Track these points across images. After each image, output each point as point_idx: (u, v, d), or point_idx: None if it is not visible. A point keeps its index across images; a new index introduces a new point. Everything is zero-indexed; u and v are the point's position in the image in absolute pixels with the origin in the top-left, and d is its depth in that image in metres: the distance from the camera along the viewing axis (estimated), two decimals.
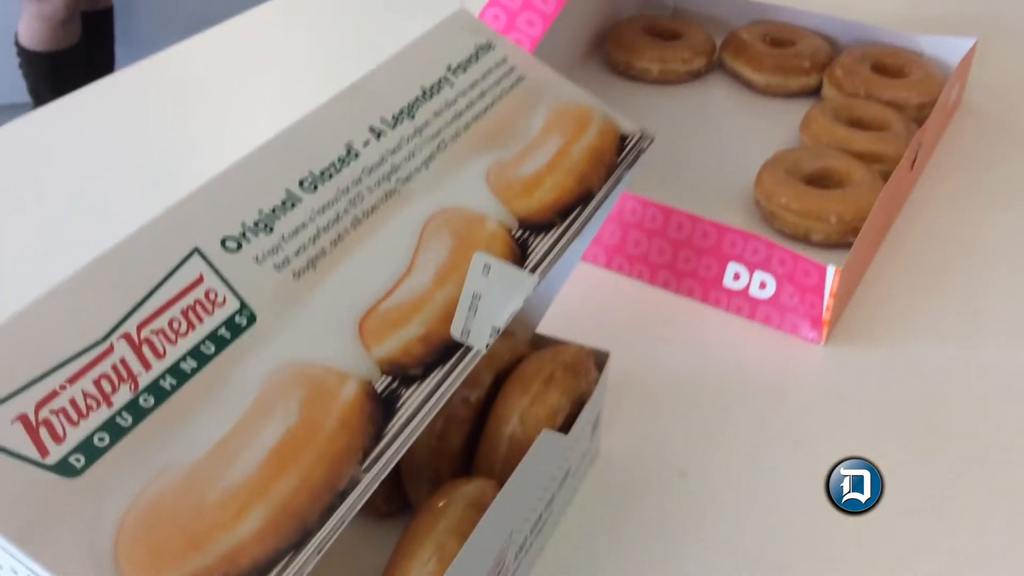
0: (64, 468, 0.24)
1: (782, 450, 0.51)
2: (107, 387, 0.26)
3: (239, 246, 0.31)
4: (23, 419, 0.25)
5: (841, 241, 0.62)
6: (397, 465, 0.44)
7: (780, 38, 0.79)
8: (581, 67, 0.81)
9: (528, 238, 0.35)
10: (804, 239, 0.62)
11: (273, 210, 0.32)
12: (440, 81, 0.39)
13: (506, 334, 0.47)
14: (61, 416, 0.25)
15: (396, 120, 0.37)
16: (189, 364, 0.27)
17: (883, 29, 0.79)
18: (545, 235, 0.36)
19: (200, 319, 0.28)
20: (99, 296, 0.28)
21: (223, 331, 0.28)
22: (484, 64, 0.41)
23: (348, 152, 0.35)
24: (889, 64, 0.76)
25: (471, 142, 0.38)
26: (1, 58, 1.82)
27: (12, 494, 0.24)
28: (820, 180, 0.64)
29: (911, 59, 0.76)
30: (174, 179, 0.69)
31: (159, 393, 0.26)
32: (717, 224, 0.57)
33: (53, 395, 0.25)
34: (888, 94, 0.72)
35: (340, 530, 0.26)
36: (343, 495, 0.27)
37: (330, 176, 0.34)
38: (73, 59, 1.78)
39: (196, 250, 0.30)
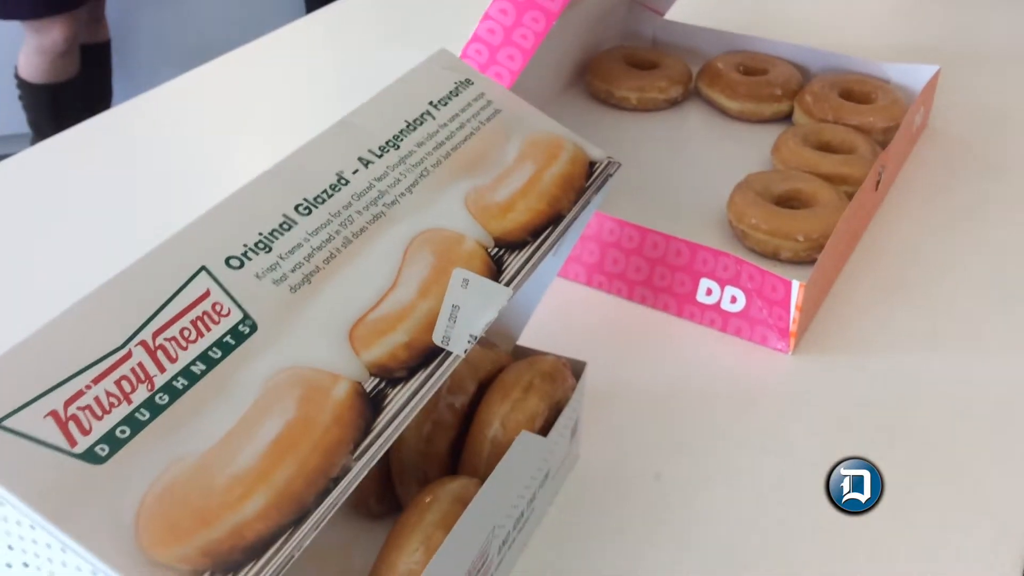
0: (90, 456, 0.28)
1: (752, 453, 0.54)
2: (127, 387, 0.29)
3: (241, 264, 0.34)
4: (54, 414, 0.28)
5: (809, 258, 0.66)
6: (388, 468, 0.48)
7: (753, 67, 0.83)
8: (563, 96, 0.85)
9: (503, 255, 0.39)
10: (774, 256, 0.66)
11: (272, 232, 0.36)
12: (423, 115, 0.43)
13: (488, 346, 0.50)
14: (87, 412, 0.29)
15: (383, 150, 0.40)
16: (199, 367, 0.31)
17: (851, 58, 0.83)
18: (519, 252, 0.39)
19: (208, 328, 0.32)
20: (117, 308, 0.31)
21: (228, 338, 0.32)
22: (463, 99, 0.44)
23: (339, 180, 0.39)
24: (856, 91, 0.80)
25: (451, 170, 0.41)
26: (1, 89, 1.86)
27: (47, 479, 0.27)
28: (789, 201, 0.68)
29: (877, 86, 0.80)
30: (172, 208, 0.73)
31: (173, 392, 0.30)
32: (689, 243, 0.61)
33: (79, 394, 0.29)
34: (855, 119, 0.76)
35: (334, 511, 0.30)
36: (336, 480, 0.30)
37: (323, 201, 0.38)
38: (71, 91, 1.82)
39: (203, 268, 0.33)
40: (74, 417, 0.28)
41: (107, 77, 1.95)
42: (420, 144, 0.41)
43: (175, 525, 0.27)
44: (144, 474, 0.28)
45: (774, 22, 0.96)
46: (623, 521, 0.51)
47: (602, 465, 0.54)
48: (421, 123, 0.42)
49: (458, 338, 0.36)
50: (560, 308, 0.61)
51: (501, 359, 0.50)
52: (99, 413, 0.29)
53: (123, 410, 0.29)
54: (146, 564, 0.26)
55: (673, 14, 0.92)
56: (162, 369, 0.30)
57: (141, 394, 0.30)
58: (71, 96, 1.82)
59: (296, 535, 0.29)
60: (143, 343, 0.31)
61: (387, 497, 0.49)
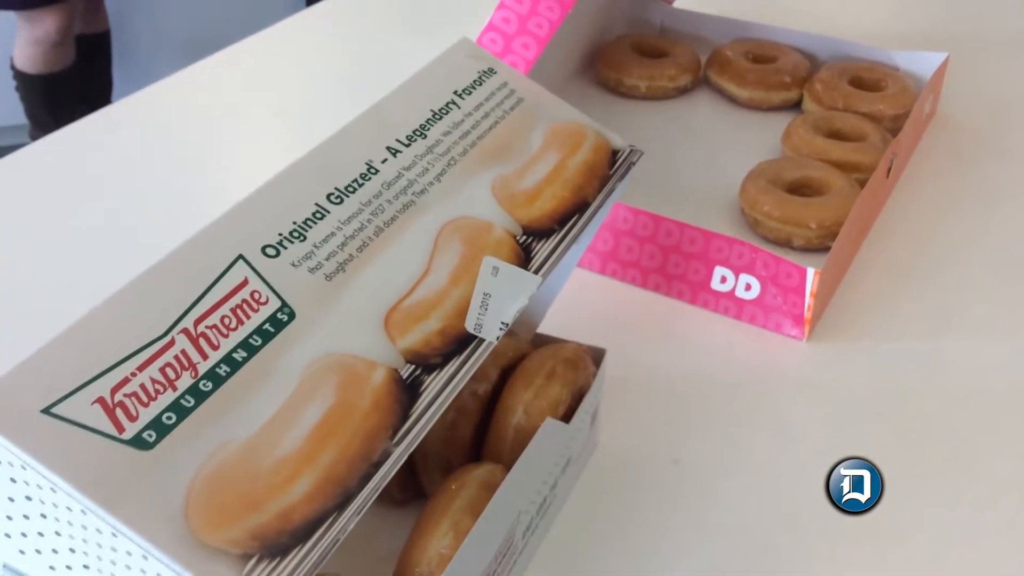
0: (138, 442, 0.28)
1: (768, 438, 0.55)
2: (171, 374, 0.30)
3: (277, 253, 0.35)
4: (101, 401, 0.29)
5: (821, 245, 0.66)
6: (411, 456, 0.48)
7: (762, 55, 0.84)
8: (572, 85, 0.85)
9: (531, 243, 0.39)
10: (786, 244, 0.67)
11: (305, 221, 0.36)
12: (448, 104, 0.43)
13: (510, 334, 0.51)
14: (133, 399, 0.29)
15: (410, 140, 0.41)
16: (240, 354, 0.31)
17: (860, 45, 0.83)
18: (546, 240, 0.40)
19: (247, 316, 0.32)
20: (158, 297, 0.32)
21: (267, 326, 0.32)
22: (487, 88, 0.45)
23: (369, 169, 0.39)
24: (866, 78, 0.80)
25: (477, 158, 0.42)
26: None
27: (96, 465, 0.27)
28: (801, 189, 0.68)
29: (887, 73, 0.80)
30: (175, 204, 0.73)
31: (216, 379, 0.30)
32: (704, 231, 0.61)
33: (125, 381, 0.29)
34: (865, 107, 0.77)
35: (376, 494, 0.30)
36: (377, 465, 0.31)
37: (353, 191, 0.38)
38: (68, 81, 1.82)
39: (240, 257, 0.34)
40: (121, 404, 0.29)
41: (106, 67, 1.94)
42: (446, 133, 0.42)
43: (223, 509, 0.28)
44: (191, 459, 0.28)
45: (782, 9, 0.96)
46: (642, 506, 0.51)
47: (621, 451, 0.54)
48: (447, 112, 0.42)
49: (490, 325, 0.36)
50: (575, 296, 0.62)
51: (522, 347, 0.50)
52: (145, 400, 0.29)
53: (168, 397, 0.29)
54: (197, 547, 0.27)
55: (680, 1, 0.93)
56: (205, 356, 0.31)
57: (185, 381, 0.30)
58: (67, 86, 1.82)
59: (340, 519, 0.29)
60: (185, 331, 0.31)
61: (410, 485, 0.49)
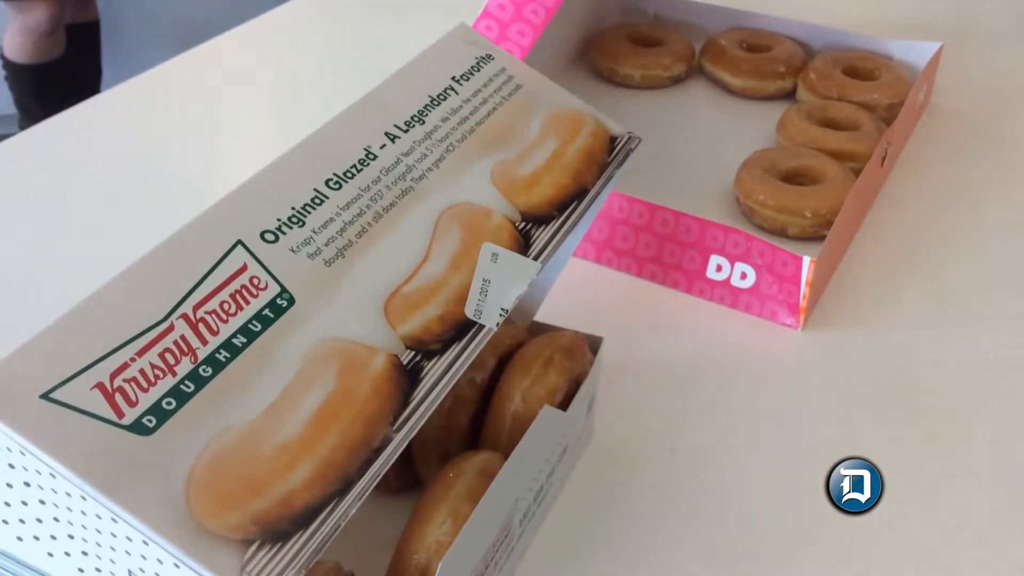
0: (138, 428, 0.28)
1: (763, 426, 0.55)
2: (171, 359, 0.30)
3: (276, 238, 0.34)
4: (100, 386, 0.28)
5: (816, 234, 0.66)
6: (408, 443, 0.48)
7: (756, 44, 0.84)
8: (567, 74, 0.85)
9: (530, 230, 0.39)
10: (781, 233, 0.67)
11: (304, 206, 0.36)
12: (446, 90, 0.43)
13: (507, 321, 0.51)
14: (133, 384, 0.29)
15: (408, 125, 0.40)
16: (240, 340, 0.31)
17: (854, 34, 0.83)
18: (545, 227, 0.40)
19: (247, 301, 0.32)
20: (157, 284, 0.31)
21: (267, 312, 0.32)
22: (485, 74, 0.44)
23: (367, 155, 0.39)
24: (860, 67, 0.80)
25: (476, 144, 0.41)
26: None
27: (95, 450, 0.27)
28: (796, 177, 0.69)
29: (881, 62, 0.80)
30: (165, 194, 0.72)
31: (216, 364, 0.30)
32: (699, 219, 0.61)
33: (124, 366, 0.29)
34: (859, 96, 0.77)
35: (377, 480, 0.30)
36: (378, 451, 0.31)
37: (352, 176, 0.38)
38: (58, 71, 1.80)
39: (239, 242, 0.33)
40: (120, 389, 0.28)
41: (96, 57, 1.93)
42: (445, 119, 0.41)
43: (225, 494, 0.28)
44: (192, 445, 0.28)
45: None
46: (638, 495, 0.51)
47: (617, 440, 0.54)
48: (445, 98, 0.42)
49: (490, 311, 0.36)
50: (570, 285, 0.62)
51: (519, 334, 0.50)
52: (145, 385, 0.29)
53: (168, 382, 0.29)
54: (198, 533, 0.27)
55: None
56: (204, 342, 0.30)
57: (185, 366, 0.30)
58: (58, 77, 1.81)
59: (341, 505, 0.29)
60: (184, 316, 0.31)
61: (406, 472, 0.49)
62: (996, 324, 0.62)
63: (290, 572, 0.27)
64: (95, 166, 0.77)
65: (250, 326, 0.31)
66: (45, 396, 0.27)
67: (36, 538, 0.30)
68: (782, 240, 0.66)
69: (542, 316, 0.54)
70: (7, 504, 0.29)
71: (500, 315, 0.36)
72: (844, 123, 0.74)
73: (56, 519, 0.29)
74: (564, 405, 0.48)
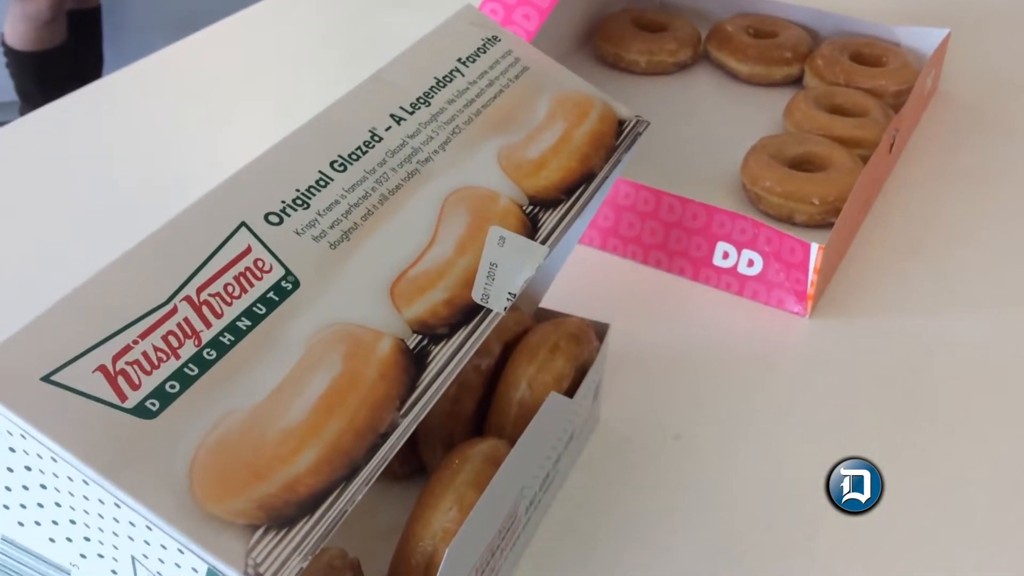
0: (141, 411, 0.28)
1: (770, 415, 0.54)
2: (174, 342, 0.29)
3: (281, 220, 0.34)
4: (102, 369, 0.28)
5: (823, 221, 0.65)
6: (413, 430, 0.48)
7: (763, 30, 0.83)
8: (571, 59, 0.84)
9: (538, 213, 0.39)
10: (788, 220, 0.66)
11: (309, 188, 0.35)
12: (452, 72, 0.42)
13: (512, 308, 0.50)
14: (135, 367, 0.28)
15: (414, 107, 0.40)
16: (244, 323, 0.31)
17: (861, 20, 0.82)
18: (553, 211, 0.39)
19: (251, 284, 0.31)
20: (160, 264, 0.31)
21: (272, 294, 0.32)
22: (491, 56, 0.44)
23: (372, 137, 0.38)
24: (867, 54, 0.79)
25: (482, 127, 0.41)
26: None
27: (97, 434, 0.27)
28: (803, 164, 0.68)
29: (888, 49, 0.80)
30: (170, 180, 0.72)
31: (220, 347, 0.30)
32: (706, 206, 0.60)
33: (127, 349, 0.28)
34: (867, 82, 0.76)
35: (384, 466, 0.30)
36: (384, 436, 0.30)
37: (357, 158, 0.37)
38: (60, 59, 1.79)
39: (243, 224, 0.33)
40: (123, 372, 0.28)
41: (97, 44, 1.92)
42: (451, 101, 0.41)
43: (229, 479, 0.27)
44: (195, 428, 0.28)
45: None
46: (644, 482, 0.51)
47: (622, 427, 0.54)
48: (451, 80, 0.42)
49: (497, 296, 0.35)
50: (576, 272, 0.61)
51: (525, 321, 0.49)
52: (148, 368, 0.28)
53: (171, 365, 0.29)
54: (202, 518, 0.26)
55: None
56: (208, 325, 0.30)
57: (188, 349, 0.29)
58: (59, 64, 1.80)
59: (348, 491, 0.29)
60: (188, 299, 0.30)
61: (411, 459, 0.49)
62: (1005, 311, 0.61)
63: (296, 558, 0.27)
64: (96, 151, 0.77)
65: (255, 309, 0.31)
66: (46, 379, 0.27)
67: (37, 523, 0.29)
68: (789, 227, 0.65)
69: (547, 303, 0.53)
70: (7, 489, 0.29)
71: (508, 299, 0.36)
72: (851, 110, 0.73)
73: (58, 504, 0.28)
74: (570, 392, 0.48)
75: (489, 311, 0.35)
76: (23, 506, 0.29)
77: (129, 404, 0.27)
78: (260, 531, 0.27)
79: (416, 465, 0.49)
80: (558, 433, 0.46)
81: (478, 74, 0.43)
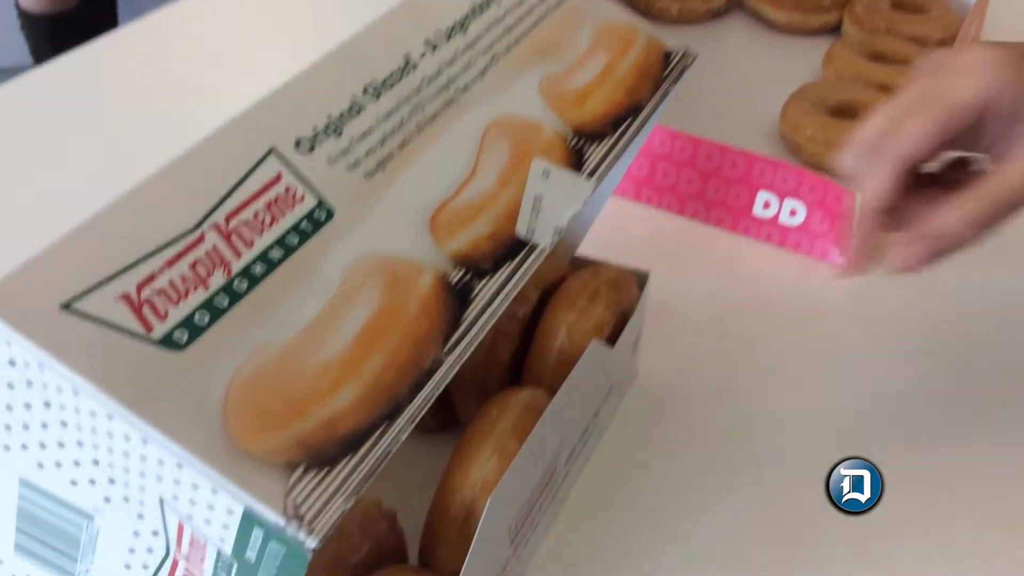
0: (169, 343, 0.26)
1: (814, 369, 0.52)
2: (202, 271, 0.27)
3: (312, 147, 0.32)
4: (126, 298, 0.26)
5: None
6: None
7: None
8: None
9: (583, 146, 0.36)
10: (829, 169, 0.63)
11: (341, 115, 0.33)
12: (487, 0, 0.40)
13: (548, 255, 0.48)
14: (162, 296, 0.26)
15: (449, 34, 0.37)
16: (276, 253, 0.28)
17: None
18: (599, 144, 0.37)
19: (282, 213, 0.29)
20: (185, 190, 0.29)
21: (304, 224, 0.29)
22: None
23: (407, 63, 0.36)
24: (908, 1, 0.76)
25: (522, 56, 0.38)
26: (3, 20, 1.82)
27: (122, 366, 0.25)
28: (844, 112, 0.65)
29: None
30: (183, 131, 0.70)
31: (251, 278, 0.28)
32: (747, 153, 0.58)
33: (152, 278, 0.26)
34: (909, 29, 0.73)
35: (428, 405, 0.28)
36: (429, 373, 0.28)
37: (391, 85, 0.35)
38: (74, 21, 1.77)
39: (272, 150, 0.31)
40: (148, 301, 0.26)
41: (111, 7, 1.89)
42: (488, 29, 0.38)
43: (265, 415, 0.25)
44: (228, 362, 0.26)
45: None
46: (684, 437, 0.49)
47: (661, 381, 0.52)
48: (486, 7, 0.39)
49: (543, 231, 0.33)
50: (610, 222, 0.59)
51: (562, 268, 0.47)
52: (175, 298, 0.26)
53: (200, 295, 0.27)
54: (237, 455, 0.24)
55: None
56: (238, 254, 0.28)
57: (218, 279, 0.27)
58: (73, 26, 1.77)
59: (391, 430, 0.27)
60: (216, 226, 0.28)
61: (443, 411, 0.47)
62: None
63: (339, 500, 0.25)
64: (111, 102, 0.75)
65: (287, 239, 0.29)
66: (66, 307, 0.25)
67: (58, 464, 0.28)
68: (831, 177, 0.63)
69: (582, 252, 0.51)
70: (25, 427, 0.27)
71: (554, 235, 0.33)
72: (893, 57, 0.70)
73: (79, 443, 0.26)
74: (611, 342, 0.46)
75: (534, 247, 0.33)
76: (42, 445, 0.27)
77: (156, 335, 0.25)
78: (299, 470, 0.25)
79: (449, 417, 0.47)
80: (599, 383, 0.44)
81: (515, 1, 0.40)
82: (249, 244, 0.28)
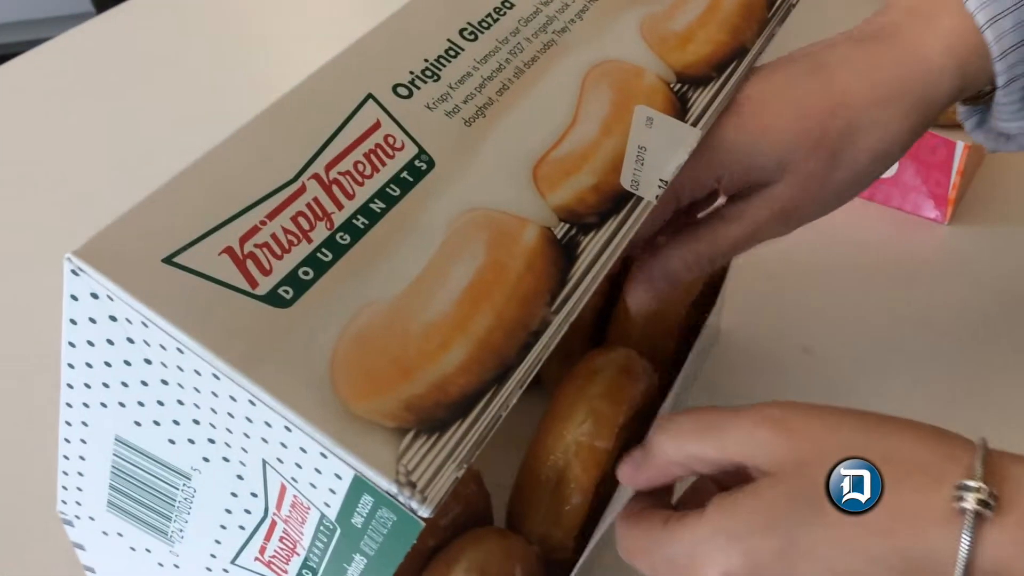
0: (274, 299, 0.24)
1: (908, 328, 0.50)
2: (305, 224, 0.26)
3: (410, 93, 0.30)
4: (229, 251, 0.25)
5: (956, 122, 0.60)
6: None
7: None
8: None
9: (687, 92, 0.34)
10: None
11: (438, 59, 0.31)
12: None
13: None
14: (265, 250, 0.25)
15: None
16: (378, 205, 0.27)
17: None
18: (703, 89, 0.35)
19: (383, 163, 0.28)
20: (283, 139, 0.27)
21: (405, 174, 0.28)
22: None
23: (503, 3, 0.34)
24: None
25: None
26: None
27: (228, 323, 0.24)
28: None
29: None
30: (276, 71, 0.69)
31: (354, 232, 0.26)
32: None
33: (255, 230, 0.25)
34: None
35: (537, 368, 0.26)
36: (536, 334, 0.27)
37: (488, 27, 0.33)
38: None
39: (370, 96, 0.29)
40: (251, 255, 0.25)
41: None
42: None
43: (375, 376, 0.24)
44: (334, 319, 0.24)
45: None
46: (770, 397, 0.47)
47: (746, 339, 0.50)
48: None
49: (648, 183, 0.31)
50: None
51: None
52: (278, 252, 0.25)
53: (303, 249, 0.25)
54: (347, 419, 0.23)
55: None
56: (340, 206, 0.26)
57: (321, 232, 0.26)
58: None
59: (501, 393, 0.25)
60: (316, 176, 0.27)
61: None
62: None
63: (451, 466, 0.23)
64: (165, 52, 0.74)
65: (388, 190, 0.27)
66: (168, 260, 0.24)
67: (156, 423, 0.27)
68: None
69: None
70: (124, 385, 0.26)
71: (659, 187, 0.32)
72: None
73: (180, 402, 0.26)
74: (700, 301, 0.44)
75: (640, 200, 0.31)
76: (141, 404, 0.26)
77: (261, 291, 0.24)
78: (410, 435, 0.23)
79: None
80: (698, 349, 0.42)
81: None
82: (350, 195, 0.27)
